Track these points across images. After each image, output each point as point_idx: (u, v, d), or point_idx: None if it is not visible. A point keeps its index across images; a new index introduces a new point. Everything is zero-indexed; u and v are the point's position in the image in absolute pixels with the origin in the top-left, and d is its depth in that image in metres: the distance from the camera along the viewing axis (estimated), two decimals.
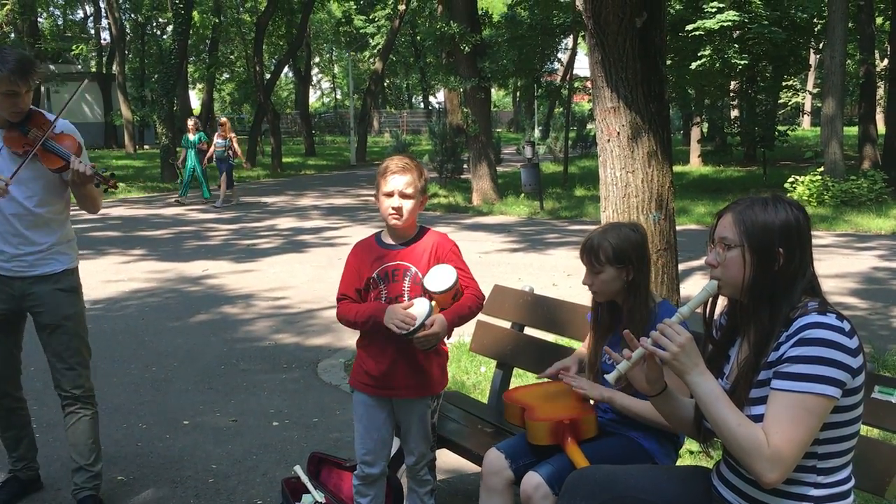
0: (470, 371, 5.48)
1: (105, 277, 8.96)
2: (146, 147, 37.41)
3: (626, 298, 2.73)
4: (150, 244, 11.78)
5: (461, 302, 2.88)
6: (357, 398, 3.05)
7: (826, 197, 14.22)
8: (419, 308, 2.79)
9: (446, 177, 19.67)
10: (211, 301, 7.96)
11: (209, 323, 7.12)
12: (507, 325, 3.82)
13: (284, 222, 14.38)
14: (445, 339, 2.96)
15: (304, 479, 3.53)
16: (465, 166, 19.22)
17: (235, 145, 17.00)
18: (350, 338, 6.22)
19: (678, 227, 4.88)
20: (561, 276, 8.95)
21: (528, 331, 3.77)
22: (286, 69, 38.80)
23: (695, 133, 26.01)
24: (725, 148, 25.11)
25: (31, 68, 3.17)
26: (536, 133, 32.63)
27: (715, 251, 2.12)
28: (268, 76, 29.90)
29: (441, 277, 2.84)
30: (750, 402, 2.03)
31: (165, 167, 22.18)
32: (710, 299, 2.17)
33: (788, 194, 14.49)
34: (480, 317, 3.95)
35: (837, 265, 9.38)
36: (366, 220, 14.33)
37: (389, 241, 2.99)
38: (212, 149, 16.77)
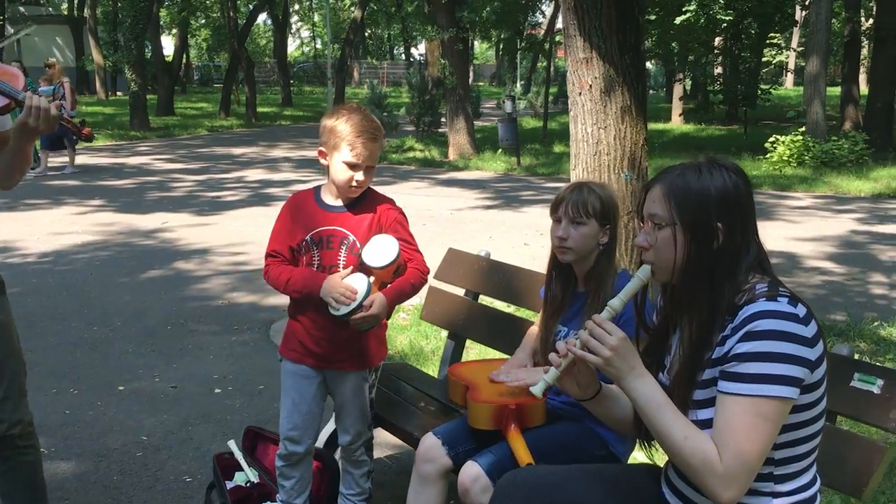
0: (430, 335, 5.20)
1: (55, 229, 8.56)
2: (119, 94, 36.38)
3: (594, 264, 2.45)
4: (111, 194, 11.33)
5: (403, 278, 2.58)
6: (286, 368, 2.74)
7: (806, 157, 14.00)
8: (357, 283, 2.49)
9: (423, 130, 19.19)
10: (166, 256, 7.60)
11: (161, 279, 6.78)
12: (460, 292, 3.53)
13: (253, 174, 13.94)
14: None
15: (238, 455, 3.27)
16: (442, 120, 18.76)
17: (68, 93, 12.82)
18: None
19: None
20: (534, 234, 8.67)
21: (483, 299, 3.48)
22: (265, 16, 37.78)
23: (677, 90, 25.63)
24: (707, 106, 24.80)
25: None
26: (518, 87, 32.07)
27: (645, 231, 1.81)
28: (243, 22, 29.06)
29: (382, 251, 2.52)
30: (695, 405, 1.73)
31: (135, 115, 21.62)
32: (645, 287, 1.86)
33: (769, 154, 14.26)
34: (433, 282, 3.66)
35: (816, 228, 9.17)
36: None
37: (330, 200, 2.65)
38: None
